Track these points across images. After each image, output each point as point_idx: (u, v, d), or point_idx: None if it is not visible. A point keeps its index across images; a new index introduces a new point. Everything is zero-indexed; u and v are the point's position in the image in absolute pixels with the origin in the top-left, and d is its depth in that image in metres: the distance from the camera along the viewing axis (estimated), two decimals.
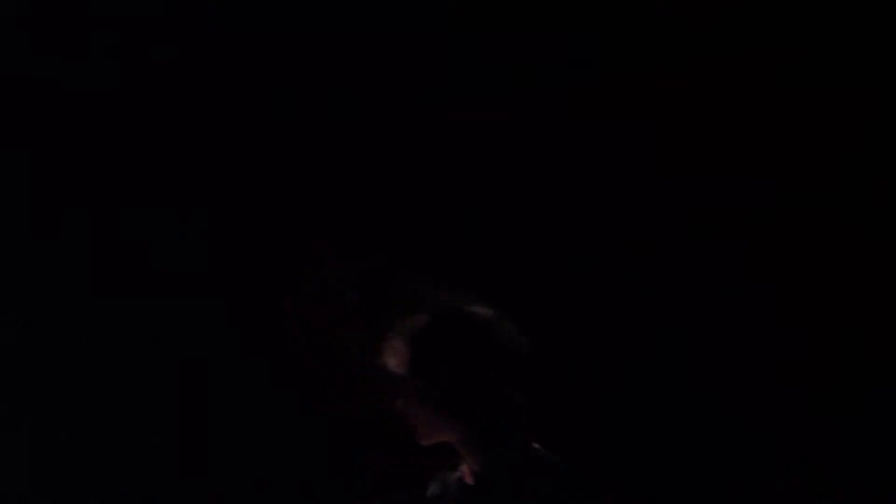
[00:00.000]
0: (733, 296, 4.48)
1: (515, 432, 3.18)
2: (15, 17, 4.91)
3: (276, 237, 4.88)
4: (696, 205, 4.52)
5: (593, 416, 4.51)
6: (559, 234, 4.63)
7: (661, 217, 4.55)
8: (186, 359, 4.88)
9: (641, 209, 4.57)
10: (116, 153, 4.93)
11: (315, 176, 4.85)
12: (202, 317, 4.87)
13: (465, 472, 3.24)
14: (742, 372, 4.47)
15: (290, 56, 4.83)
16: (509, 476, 3.15)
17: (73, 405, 4.91)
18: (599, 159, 4.60)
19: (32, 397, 4.93)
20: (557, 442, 3.22)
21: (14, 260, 4.94)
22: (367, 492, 4.74)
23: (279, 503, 4.85)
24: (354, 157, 4.81)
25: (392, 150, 4.78)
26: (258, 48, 4.85)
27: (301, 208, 4.86)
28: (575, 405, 4.41)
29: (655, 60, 4.52)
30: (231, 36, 4.88)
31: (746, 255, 4.49)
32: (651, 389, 4.55)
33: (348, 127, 4.81)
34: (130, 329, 4.89)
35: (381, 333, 3.27)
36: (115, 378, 4.90)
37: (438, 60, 4.70)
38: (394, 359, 3.22)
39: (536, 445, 3.19)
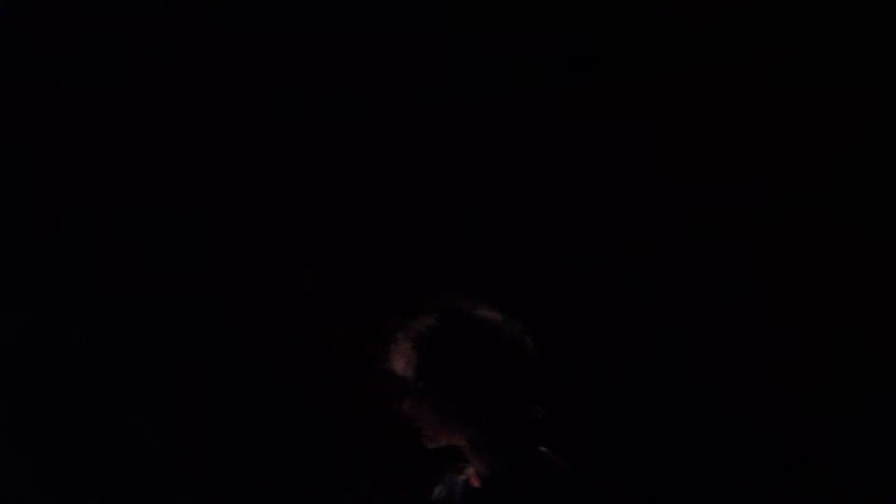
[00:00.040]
0: (733, 296, 4.48)
1: (522, 435, 3.18)
2: (15, 17, 4.91)
3: (276, 237, 4.88)
4: (696, 205, 4.52)
5: (593, 417, 4.51)
6: (559, 234, 4.63)
7: (661, 217, 4.55)
8: (186, 359, 4.88)
9: (641, 209, 4.57)
10: (116, 153, 4.93)
11: (315, 176, 4.85)
12: (202, 317, 4.88)
13: (471, 474, 3.24)
14: (742, 372, 4.47)
15: (290, 56, 4.83)
16: (515, 479, 3.15)
17: (74, 405, 4.91)
18: (599, 159, 4.60)
19: (32, 397, 4.93)
20: (558, 442, 3.22)
21: (14, 260, 4.94)
22: (367, 492, 4.75)
23: (279, 503, 4.85)
24: (354, 157, 4.81)
25: (392, 150, 4.78)
26: (258, 48, 4.85)
27: (301, 208, 4.86)
28: (575, 405, 4.41)
29: (655, 60, 4.52)
30: (231, 36, 4.89)
31: (746, 255, 4.49)
32: (651, 389, 4.55)
33: (348, 127, 4.81)
34: (130, 329, 4.89)
35: (388, 335, 3.27)
36: (115, 378, 4.90)
37: (438, 60, 4.70)
38: (401, 361, 3.22)
39: (542, 448, 3.20)
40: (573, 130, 4.61)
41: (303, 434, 4.82)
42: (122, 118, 4.92)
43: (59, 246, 4.92)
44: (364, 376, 4.73)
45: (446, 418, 3.18)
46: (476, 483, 3.23)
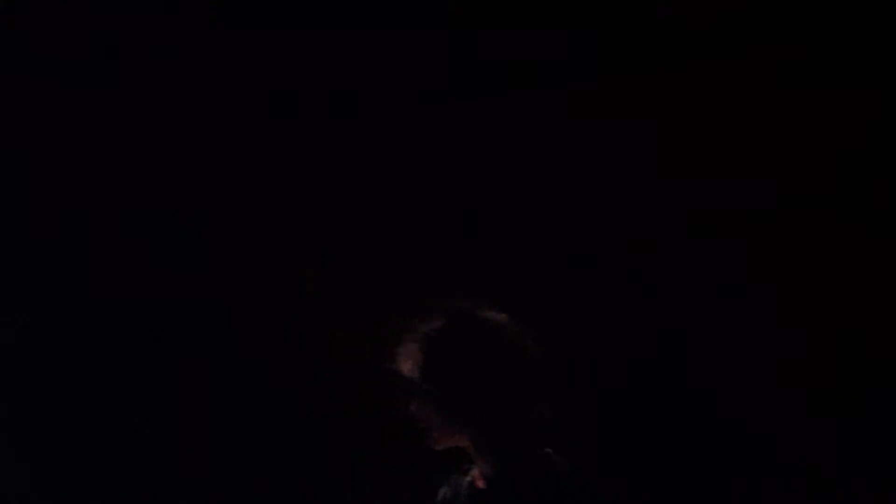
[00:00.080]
0: (733, 296, 4.48)
1: (526, 436, 3.18)
2: (15, 17, 4.91)
3: (276, 237, 4.88)
4: (696, 205, 4.52)
5: (593, 417, 4.51)
6: (559, 234, 4.63)
7: (661, 217, 4.55)
8: (186, 359, 4.88)
9: (641, 209, 4.57)
10: (116, 153, 4.93)
11: (315, 176, 4.85)
12: (202, 317, 4.88)
13: (476, 475, 3.25)
14: (742, 372, 4.47)
15: (290, 56, 4.83)
16: (520, 480, 3.15)
17: (74, 405, 4.91)
18: (599, 159, 4.60)
19: (32, 397, 4.93)
20: (562, 443, 3.23)
21: (14, 260, 4.94)
22: (367, 492, 4.75)
23: (279, 503, 4.85)
24: (354, 157, 4.81)
25: (392, 150, 4.78)
26: (258, 48, 4.85)
27: (301, 208, 4.86)
28: (576, 406, 4.41)
29: (655, 60, 4.52)
30: (231, 36, 4.89)
31: (746, 255, 4.49)
32: (651, 389, 4.55)
33: (348, 127, 4.81)
34: (130, 329, 4.90)
35: (390, 336, 3.27)
36: (115, 378, 4.90)
37: (438, 60, 4.70)
38: (408, 363, 3.23)
39: (548, 450, 3.20)
40: (573, 130, 4.61)
41: (303, 434, 4.82)
42: (122, 118, 4.92)
43: (59, 246, 4.92)
44: (364, 376, 4.74)
45: (452, 420, 3.18)
46: (481, 484, 3.23)
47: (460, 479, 3.32)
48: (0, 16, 4.91)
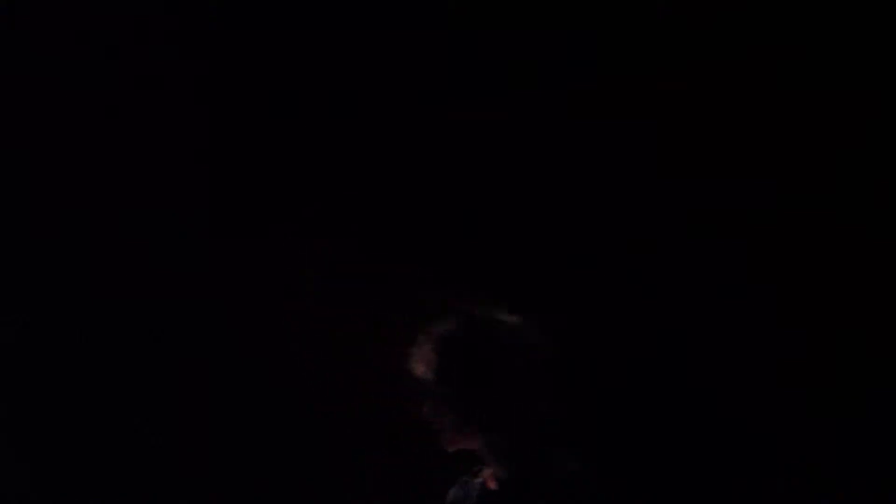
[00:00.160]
0: (733, 296, 4.48)
1: (539, 438, 3.19)
2: (15, 17, 4.91)
3: (276, 237, 4.88)
4: (696, 205, 4.52)
5: (599, 417, 4.51)
6: (559, 234, 4.63)
7: (661, 217, 4.55)
8: (186, 359, 4.88)
9: (641, 209, 4.56)
10: (116, 153, 4.93)
11: (315, 176, 4.85)
12: (202, 317, 4.88)
13: (488, 477, 3.25)
14: (742, 372, 4.47)
15: (290, 56, 4.83)
16: (532, 482, 3.16)
17: (74, 405, 4.91)
18: (599, 159, 4.59)
19: (32, 397, 4.93)
20: (569, 444, 3.23)
21: (14, 260, 4.94)
22: (366, 492, 4.75)
23: (279, 503, 4.85)
24: (354, 157, 4.81)
25: (392, 150, 4.78)
26: (258, 48, 4.85)
27: (301, 208, 4.86)
28: (583, 407, 4.41)
29: (655, 60, 4.52)
30: (231, 36, 4.89)
31: (746, 255, 4.49)
32: (651, 389, 4.55)
33: (348, 127, 4.81)
34: (130, 329, 4.90)
35: (396, 337, 3.28)
36: (115, 378, 4.90)
37: (438, 60, 4.70)
38: (422, 365, 3.23)
39: (559, 451, 3.20)
40: (573, 130, 4.61)
41: (303, 434, 4.82)
42: (122, 118, 4.92)
43: (59, 246, 4.93)
44: (364, 376, 4.74)
45: (467, 422, 3.19)
46: (492, 485, 3.23)
47: (471, 481, 3.32)
48: (0, 16, 4.91)
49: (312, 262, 4.83)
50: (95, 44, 4.90)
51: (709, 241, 4.51)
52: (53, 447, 4.92)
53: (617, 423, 4.54)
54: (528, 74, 4.62)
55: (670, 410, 4.53)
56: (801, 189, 4.43)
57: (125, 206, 4.92)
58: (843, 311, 4.40)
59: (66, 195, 4.93)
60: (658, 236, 4.56)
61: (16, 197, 4.95)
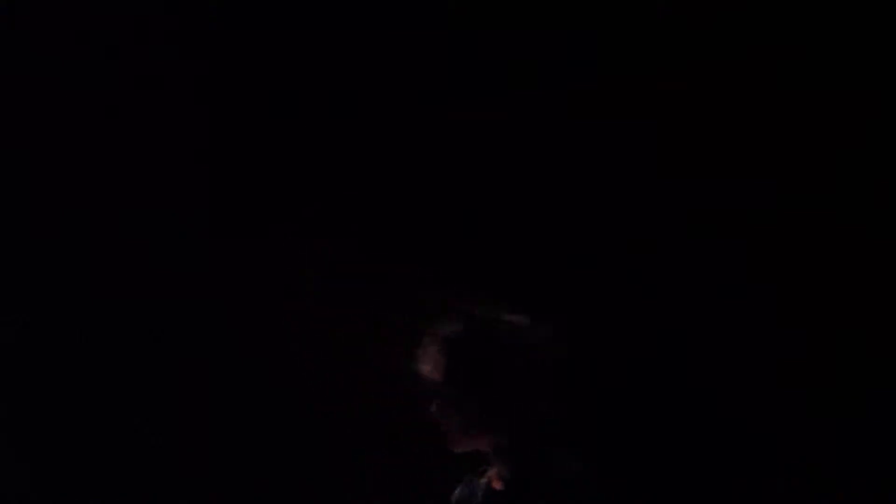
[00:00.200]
0: (733, 296, 4.48)
1: (545, 439, 3.19)
2: (15, 17, 4.91)
3: (276, 237, 4.88)
4: (696, 205, 4.52)
5: (594, 417, 4.51)
6: (559, 234, 4.63)
7: (661, 217, 4.55)
8: (186, 359, 4.88)
9: (641, 209, 4.56)
10: (116, 153, 4.93)
11: (315, 176, 4.85)
12: (202, 317, 4.88)
13: (493, 476, 3.26)
14: (742, 372, 4.47)
15: (290, 56, 4.83)
16: (538, 482, 3.16)
17: (74, 405, 4.91)
18: (599, 159, 4.59)
19: (32, 397, 4.93)
20: (572, 444, 3.23)
21: (14, 260, 4.94)
22: (366, 492, 4.74)
23: (279, 503, 4.85)
24: (354, 157, 4.81)
25: (392, 150, 4.78)
26: (258, 48, 4.85)
27: (301, 208, 4.86)
28: (577, 406, 4.41)
29: (655, 60, 4.52)
30: (231, 36, 4.88)
31: (746, 255, 4.49)
32: (651, 389, 4.55)
33: (348, 127, 4.81)
34: (130, 329, 4.89)
35: (396, 338, 3.28)
36: (115, 378, 4.90)
37: (438, 60, 4.70)
38: (428, 365, 3.24)
39: (562, 452, 3.21)
40: (573, 130, 4.61)
41: (303, 434, 4.82)
42: (122, 118, 4.92)
43: (59, 246, 4.92)
44: (364, 376, 4.74)
45: (473, 422, 3.19)
46: (498, 485, 3.24)
47: (476, 480, 3.32)
48: (0, 16, 4.91)
49: (312, 262, 4.83)
50: (95, 44, 4.90)
51: (709, 241, 4.51)
52: (53, 447, 4.91)
53: (617, 423, 4.54)
54: (528, 74, 4.62)
55: (670, 410, 4.53)
56: (801, 189, 4.43)
57: (125, 206, 4.92)
58: (843, 311, 4.40)
59: (66, 195, 4.93)
60: (658, 236, 4.56)
61: (16, 197, 4.95)
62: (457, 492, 3.38)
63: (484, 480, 3.29)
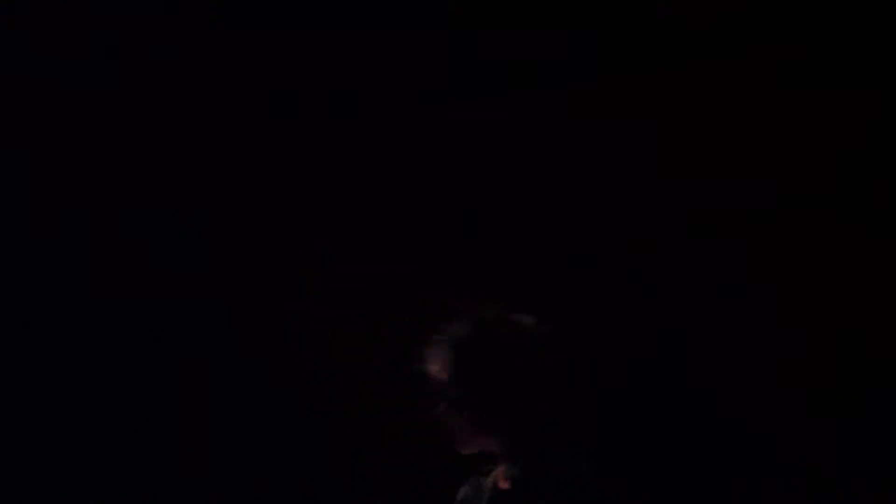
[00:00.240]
0: (733, 296, 4.48)
1: (553, 439, 3.19)
2: (15, 17, 4.91)
3: (276, 237, 4.87)
4: (696, 205, 4.52)
5: (600, 416, 4.51)
6: (559, 234, 4.63)
7: (661, 217, 4.55)
8: (186, 359, 4.88)
9: (641, 209, 4.56)
10: (116, 153, 4.93)
11: (315, 176, 4.85)
12: (202, 317, 4.87)
13: (500, 476, 3.26)
14: (742, 372, 4.47)
15: (290, 56, 4.83)
16: (545, 482, 3.16)
17: (74, 405, 4.91)
18: (599, 159, 4.59)
19: (32, 397, 4.93)
20: (579, 443, 3.24)
21: (14, 260, 4.94)
22: (366, 492, 4.74)
23: (279, 503, 4.85)
24: (354, 157, 4.81)
25: (392, 150, 4.78)
26: (258, 48, 4.85)
27: (301, 208, 4.86)
28: (583, 406, 4.41)
29: (655, 60, 4.52)
30: (231, 36, 4.88)
31: (746, 255, 4.49)
32: (651, 389, 4.55)
33: (348, 127, 4.81)
34: (130, 329, 4.89)
35: (408, 339, 3.29)
36: (114, 378, 4.90)
37: (438, 60, 4.70)
38: (436, 366, 3.24)
39: (570, 452, 3.21)
40: (573, 130, 4.61)
41: (303, 434, 4.82)
42: (122, 118, 4.92)
43: (59, 246, 4.92)
44: (364, 376, 4.74)
45: (480, 423, 3.19)
46: (505, 485, 3.24)
47: (482, 480, 3.32)
48: (0, 16, 4.91)
49: (312, 262, 4.83)
50: (95, 44, 4.90)
51: (709, 241, 4.51)
52: (53, 447, 4.91)
53: (622, 422, 4.54)
54: (528, 74, 4.62)
55: (669, 410, 4.53)
56: (801, 189, 4.43)
57: (125, 206, 4.92)
58: (843, 311, 4.40)
59: (66, 195, 4.93)
60: (658, 236, 4.56)
61: (16, 197, 4.95)
62: (462, 491, 3.38)
63: (490, 480, 3.29)
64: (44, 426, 4.92)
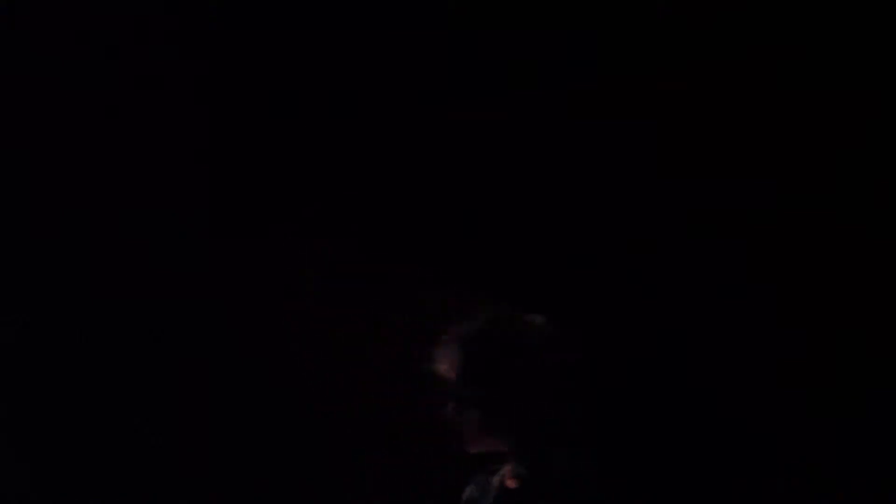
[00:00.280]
0: (733, 296, 4.48)
1: (561, 438, 3.19)
2: (15, 17, 4.91)
3: (276, 237, 4.88)
4: (696, 205, 4.52)
5: (596, 416, 4.51)
6: (559, 234, 4.63)
7: (661, 217, 4.55)
8: (186, 359, 4.88)
9: (641, 209, 4.56)
10: (116, 153, 4.93)
11: (315, 176, 4.85)
12: (202, 317, 4.88)
13: (507, 475, 3.26)
14: (742, 372, 4.47)
15: (290, 56, 4.83)
16: (552, 481, 3.16)
17: (74, 405, 4.91)
18: (599, 159, 4.59)
19: (32, 397, 4.93)
20: (589, 444, 3.24)
21: (14, 260, 4.94)
22: (366, 492, 4.74)
23: (279, 503, 4.85)
24: (354, 157, 4.81)
25: (392, 150, 4.78)
26: (258, 48, 4.85)
27: (301, 208, 4.86)
28: (580, 406, 4.40)
29: (655, 60, 4.52)
30: (231, 36, 4.89)
31: (746, 255, 4.49)
32: (651, 389, 4.54)
33: (348, 127, 4.81)
34: (130, 329, 4.90)
35: (408, 339, 3.29)
36: (114, 378, 4.90)
37: (438, 60, 4.70)
38: (444, 365, 3.24)
39: (577, 451, 3.21)
40: (573, 130, 4.61)
41: (303, 434, 4.82)
42: (122, 118, 4.92)
43: (59, 246, 4.92)
44: (364, 376, 4.74)
45: (489, 422, 3.20)
46: (512, 484, 3.24)
47: (488, 479, 3.32)
48: (0, 16, 4.91)
49: (312, 262, 4.83)
50: (95, 44, 4.90)
51: (709, 241, 4.51)
52: (53, 447, 4.91)
53: (619, 422, 4.54)
54: (528, 74, 4.62)
55: (668, 410, 4.53)
56: (801, 189, 4.43)
57: (125, 206, 4.92)
58: (843, 311, 4.40)
59: (66, 195, 4.93)
60: (658, 236, 4.56)
61: (16, 197, 4.95)
62: (468, 490, 3.38)
63: (497, 479, 3.29)
64: (44, 426, 4.92)
